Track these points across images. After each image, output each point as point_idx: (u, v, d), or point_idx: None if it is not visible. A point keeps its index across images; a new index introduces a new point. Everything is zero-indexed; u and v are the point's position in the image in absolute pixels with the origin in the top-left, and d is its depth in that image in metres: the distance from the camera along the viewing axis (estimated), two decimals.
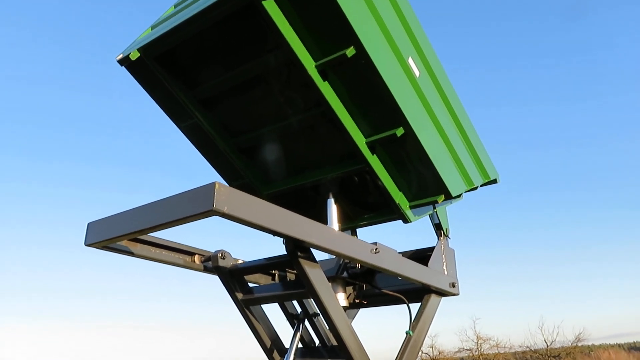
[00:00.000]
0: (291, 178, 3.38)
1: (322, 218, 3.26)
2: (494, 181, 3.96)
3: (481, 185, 3.84)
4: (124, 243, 2.39)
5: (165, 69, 3.02)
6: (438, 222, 3.61)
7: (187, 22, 2.69)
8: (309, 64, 2.64)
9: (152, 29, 3.04)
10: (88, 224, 2.15)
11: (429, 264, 3.22)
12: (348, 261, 3.34)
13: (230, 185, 3.57)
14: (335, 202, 3.30)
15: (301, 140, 3.19)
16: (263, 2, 2.42)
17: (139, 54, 2.91)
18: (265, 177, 3.48)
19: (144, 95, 3.16)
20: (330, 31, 2.57)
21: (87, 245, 2.14)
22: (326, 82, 2.71)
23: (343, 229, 3.49)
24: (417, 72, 3.02)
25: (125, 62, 2.97)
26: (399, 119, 2.80)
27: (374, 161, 2.97)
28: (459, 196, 3.70)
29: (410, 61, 2.98)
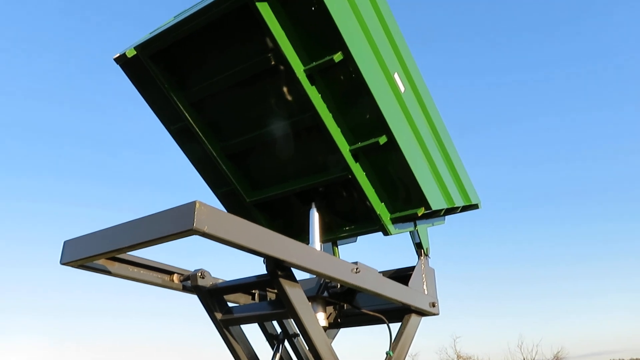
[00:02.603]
0: (276, 185, 3.38)
1: (306, 227, 3.27)
2: (476, 206, 3.99)
3: (461, 210, 3.88)
4: (102, 262, 2.34)
5: (159, 67, 3.04)
6: (419, 241, 3.61)
7: (183, 21, 2.76)
8: (298, 68, 2.69)
9: (150, 34, 3.07)
10: (64, 242, 2.10)
11: (410, 283, 3.22)
12: (329, 280, 3.33)
13: (215, 192, 3.60)
14: (318, 211, 3.31)
15: (287, 148, 3.21)
16: (257, 4, 2.48)
17: (135, 52, 2.96)
18: (250, 184, 3.48)
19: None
20: (320, 37, 2.64)
21: (62, 264, 2.08)
22: (313, 86, 2.76)
23: (324, 240, 3.48)
24: (402, 88, 3.08)
25: (121, 60, 3.03)
26: (383, 127, 2.85)
27: (357, 169, 3.00)
28: (441, 219, 3.71)
29: (396, 76, 3.04)
